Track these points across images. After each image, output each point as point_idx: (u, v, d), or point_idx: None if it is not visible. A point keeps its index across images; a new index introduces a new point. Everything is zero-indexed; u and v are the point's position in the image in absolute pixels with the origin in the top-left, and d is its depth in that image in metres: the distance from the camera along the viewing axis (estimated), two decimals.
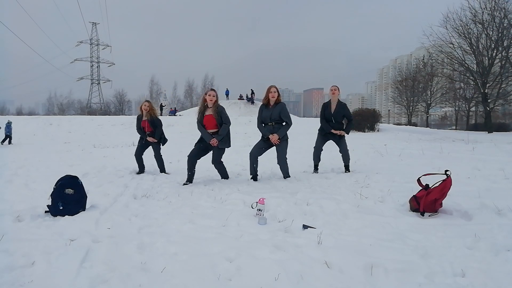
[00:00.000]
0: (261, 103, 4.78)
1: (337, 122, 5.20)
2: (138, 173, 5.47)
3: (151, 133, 5.58)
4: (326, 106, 5.33)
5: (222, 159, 4.72)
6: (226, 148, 4.69)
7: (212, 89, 4.75)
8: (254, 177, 4.68)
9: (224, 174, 4.79)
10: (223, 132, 4.51)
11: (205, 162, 5.70)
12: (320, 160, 5.41)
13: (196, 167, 4.65)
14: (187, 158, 4.61)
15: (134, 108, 66.70)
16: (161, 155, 5.63)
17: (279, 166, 4.72)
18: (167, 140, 5.78)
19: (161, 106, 36.78)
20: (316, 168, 5.39)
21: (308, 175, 5.03)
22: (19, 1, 46.92)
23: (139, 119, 5.63)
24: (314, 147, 5.38)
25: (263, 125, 4.71)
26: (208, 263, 1.97)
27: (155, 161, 5.61)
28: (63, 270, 1.86)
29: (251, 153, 4.69)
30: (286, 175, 4.69)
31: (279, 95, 4.70)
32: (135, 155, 5.61)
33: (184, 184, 4.49)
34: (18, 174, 5.17)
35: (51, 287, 1.72)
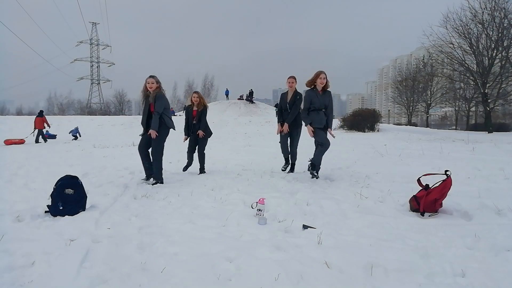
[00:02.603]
0: (308, 88, 4.57)
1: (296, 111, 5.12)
2: (185, 168, 5.43)
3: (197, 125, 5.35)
4: (283, 96, 5.29)
5: (161, 155, 4.48)
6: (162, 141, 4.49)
7: (150, 76, 4.48)
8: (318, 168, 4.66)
9: (156, 172, 4.44)
10: (155, 124, 4.33)
11: (207, 163, 5.70)
12: (289, 153, 5.28)
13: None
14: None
15: (134, 108, 66.75)
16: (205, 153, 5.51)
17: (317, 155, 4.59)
18: (211, 133, 5.56)
19: None
20: (288, 163, 5.32)
21: (308, 174, 5.02)
22: (19, 1, 46.94)
23: (189, 110, 5.44)
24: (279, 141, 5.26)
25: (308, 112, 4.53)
26: (208, 263, 1.97)
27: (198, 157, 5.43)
28: (63, 270, 1.86)
29: (327, 147, 4.50)
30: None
31: (327, 81, 4.53)
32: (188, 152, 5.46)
33: (142, 179, 4.53)
34: (18, 174, 5.17)
35: (51, 287, 1.72)
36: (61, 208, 2.87)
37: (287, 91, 5.23)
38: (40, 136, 14.13)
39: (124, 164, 6.25)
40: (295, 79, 5.20)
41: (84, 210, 3.02)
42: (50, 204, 2.95)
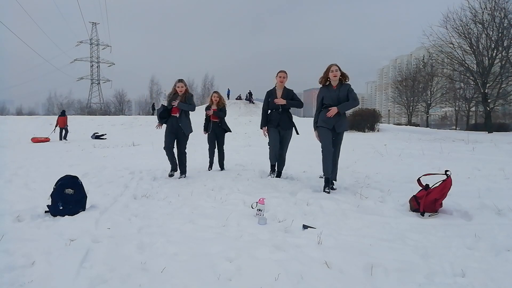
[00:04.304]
0: (320, 86, 4.07)
1: (284, 110, 4.66)
2: (210, 168, 5.76)
3: (217, 122, 5.80)
4: (270, 93, 4.71)
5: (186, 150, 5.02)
6: (189, 136, 5.01)
7: (180, 80, 4.94)
8: (327, 180, 3.90)
9: (182, 167, 4.97)
10: (184, 106, 4.84)
11: (206, 163, 5.71)
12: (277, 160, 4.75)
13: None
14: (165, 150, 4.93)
15: (134, 108, 66.68)
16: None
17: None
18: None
19: (153, 106, 37.12)
20: (274, 170, 4.76)
21: (308, 175, 5.02)
22: (19, 1, 46.90)
23: (208, 108, 5.84)
24: (268, 144, 4.68)
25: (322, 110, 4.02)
26: (208, 263, 1.97)
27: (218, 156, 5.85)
28: (63, 270, 1.86)
29: (326, 152, 3.89)
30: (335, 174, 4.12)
31: (342, 74, 3.94)
32: (209, 149, 5.84)
33: (169, 175, 4.95)
34: (18, 174, 5.16)
35: (51, 287, 1.72)
36: (61, 208, 2.87)
37: (275, 88, 4.69)
38: (63, 133, 15.12)
39: (124, 164, 6.25)
40: (287, 74, 4.70)
41: (84, 210, 3.01)
42: (50, 204, 2.95)
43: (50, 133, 15.22)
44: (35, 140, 13.91)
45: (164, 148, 4.87)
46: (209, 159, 5.86)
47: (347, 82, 4.00)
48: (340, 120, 3.94)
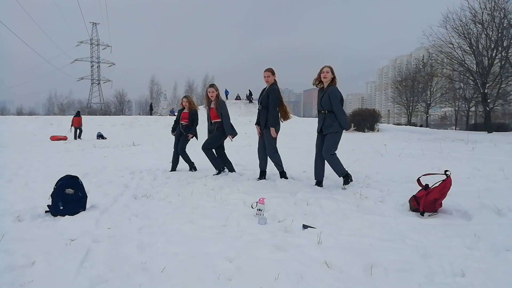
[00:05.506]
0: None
1: (263, 107, 4.41)
2: (171, 170, 5.63)
3: (187, 126, 5.74)
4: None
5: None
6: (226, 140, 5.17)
7: (211, 85, 5.12)
8: (319, 183, 4.10)
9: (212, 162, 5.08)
10: (227, 129, 5.00)
11: (206, 163, 5.70)
12: (267, 164, 4.65)
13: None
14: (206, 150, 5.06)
15: (135, 108, 66.71)
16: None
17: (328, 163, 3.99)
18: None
19: (151, 106, 37.20)
20: (262, 176, 4.62)
21: (308, 175, 5.02)
22: (19, 1, 46.87)
23: (180, 112, 5.96)
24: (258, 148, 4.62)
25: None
26: (208, 263, 1.97)
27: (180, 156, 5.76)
28: (63, 270, 1.86)
29: (315, 158, 4.06)
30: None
31: (334, 76, 3.91)
32: (175, 151, 5.76)
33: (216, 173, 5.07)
34: (18, 174, 5.16)
35: (51, 287, 1.72)
36: (61, 208, 2.87)
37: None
38: (78, 133, 16.07)
39: (124, 164, 6.25)
40: (272, 72, 4.44)
41: (84, 210, 3.01)
42: (50, 204, 2.95)
43: (67, 132, 16.27)
44: (54, 138, 14.82)
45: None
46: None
47: (333, 86, 3.93)
48: (325, 122, 3.93)
